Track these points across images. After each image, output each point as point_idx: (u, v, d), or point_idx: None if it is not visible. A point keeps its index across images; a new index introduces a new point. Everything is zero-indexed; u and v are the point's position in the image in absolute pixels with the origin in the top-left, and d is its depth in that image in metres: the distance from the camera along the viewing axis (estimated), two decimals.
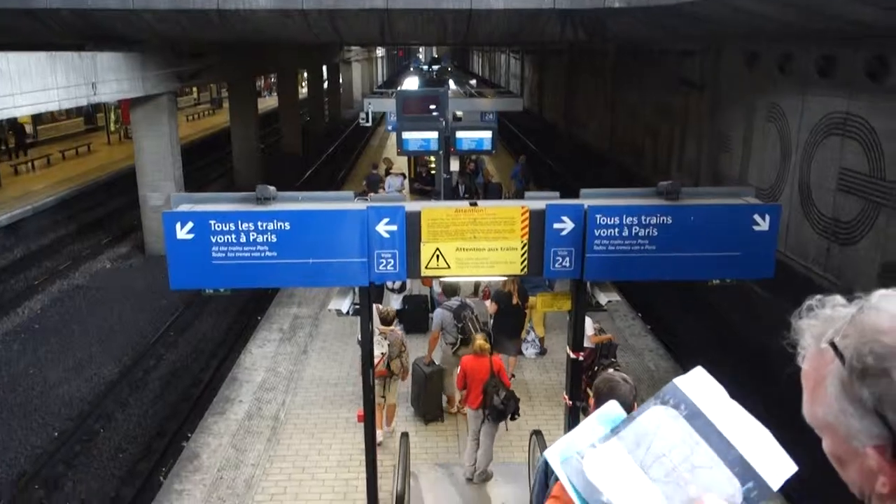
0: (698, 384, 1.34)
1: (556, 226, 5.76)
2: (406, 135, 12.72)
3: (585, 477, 1.26)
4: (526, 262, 5.91)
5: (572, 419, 6.34)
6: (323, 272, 5.72)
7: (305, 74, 44.23)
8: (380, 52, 74.32)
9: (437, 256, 5.88)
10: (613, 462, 1.27)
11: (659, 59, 21.42)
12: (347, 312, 5.96)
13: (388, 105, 16.16)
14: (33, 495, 8.79)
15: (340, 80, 53.67)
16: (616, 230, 5.69)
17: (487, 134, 13.07)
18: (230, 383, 9.60)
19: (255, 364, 10.11)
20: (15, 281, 16.23)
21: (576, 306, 6.09)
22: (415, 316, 10.82)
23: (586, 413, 5.81)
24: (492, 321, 9.51)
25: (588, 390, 8.17)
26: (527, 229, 5.81)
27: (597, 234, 5.70)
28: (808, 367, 0.98)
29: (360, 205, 5.79)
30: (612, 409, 1.45)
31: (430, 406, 8.63)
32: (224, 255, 5.62)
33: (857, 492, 0.96)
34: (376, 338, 7.88)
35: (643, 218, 5.67)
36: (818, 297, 0.99)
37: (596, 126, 29.78)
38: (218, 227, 5.55)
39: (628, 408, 3.47)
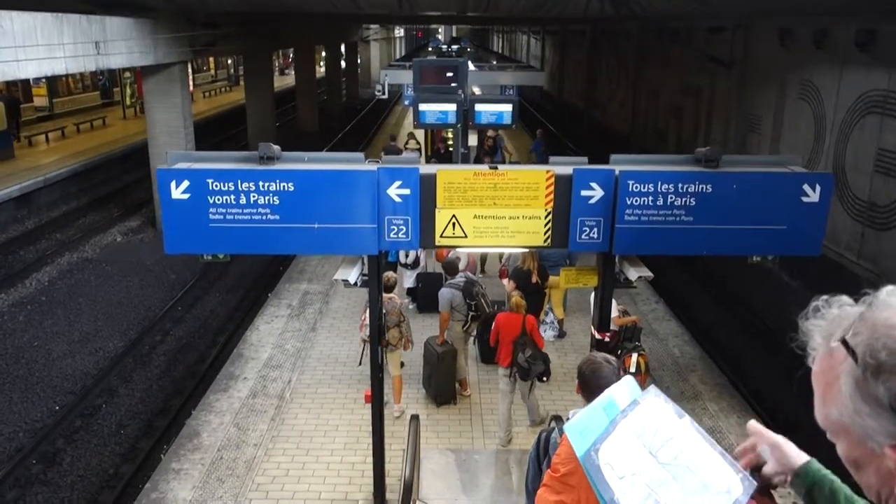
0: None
1: (583, 193, 5.28)
2: (423, 107, 12.17)
3: (602, 475, 1.30)
4: (550, 233, 5.43)
5: None
6: (329, 239, 5.27)
7: (324, 53, 43.69)
8: (399, 31, 73.58)
9: (454, 224, 5.42)
10: (626, 452, 1.31)
11: (686, 37, 20.69)
12: (355, 283, 5.52)
13: (405, 77, 15.63)
14: (31, 470, 8.48)
15: (359, 60, 53.10)
16: (650, 199, 5.19)
17: (508, 107, 12.47)
18: (235, 359, 9.22)
19: (262, 340, 9.72)
20: (24, 252, 15.97)
21: (603, 282, 5.61)
22: (428, 294, 10.36)
23: None
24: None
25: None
26: (551, 196, 5.33)
27: (628, 202, 5.20)
28: (819, 368, 0.94)
29: (370, 166, 5.33)
30: (628, 387, 1.57)
31: (442, 388, 8.20)
32: (222, 217, 5.18)
33: (873, 496, 0.92)
34: None
35: (680, 185, 5.16)
36: (824, 297, 0.97)
37: (618, 107, 29.07)
38: (216, 186, 5.11)
39: None
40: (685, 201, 5.19)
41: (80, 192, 20.91)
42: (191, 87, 39.58)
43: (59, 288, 14.09)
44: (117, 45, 13.63)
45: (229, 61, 52.02)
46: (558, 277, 8.93)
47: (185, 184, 5.10)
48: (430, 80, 12.81)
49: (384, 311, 7.43)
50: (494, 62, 29.13)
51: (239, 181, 5.11)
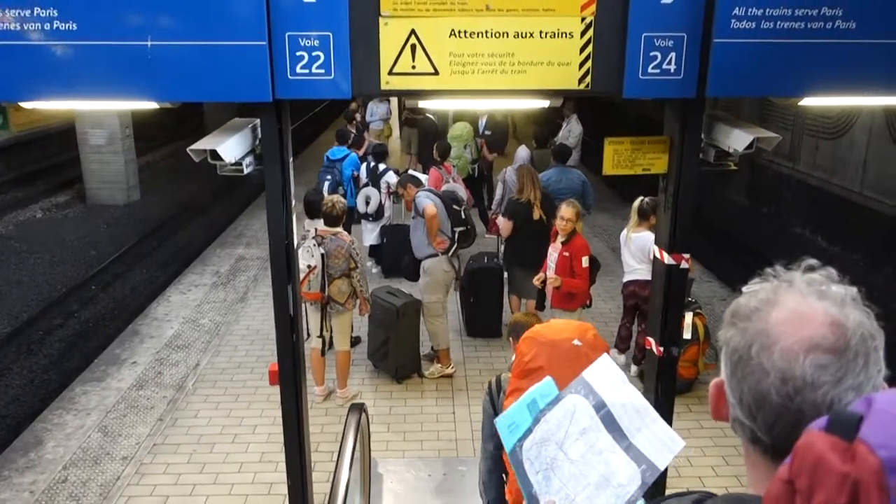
0: (602, 374, 1.55)
1: None
2: None
3: (524, 470, 1.51)
4: (590, 65, 3.01)
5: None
6: (176, 70, 2.82)
7: None
8: None
9: (413, 48, 2.97)
10: (542, 449, 1.51)
11: None
12: (239, 163, 3.02)
13: None
14: None
15: None
16: None
17: None
18: (127, 339, 6.71)
19: (171, 314, 7.21)
20: None
21: (682, 158, 3.16)
22: (396, 253, 7.90)
23: None
24: (503, 248, 6.60)
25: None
26: None
27: None
28: None
29: None
30: (547, 387, 1.70)
31: (402, 356, 5.72)
32: None
33: None
34: (305, 244, 4.99)
35: None
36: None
37: None
38: None
39: None
40: None
41: (5, 170, 18.24)
42: None
43: None
44: None
45: None
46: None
47: None
48: None
49: (323, 251, 5.01)
50: None
51: None
